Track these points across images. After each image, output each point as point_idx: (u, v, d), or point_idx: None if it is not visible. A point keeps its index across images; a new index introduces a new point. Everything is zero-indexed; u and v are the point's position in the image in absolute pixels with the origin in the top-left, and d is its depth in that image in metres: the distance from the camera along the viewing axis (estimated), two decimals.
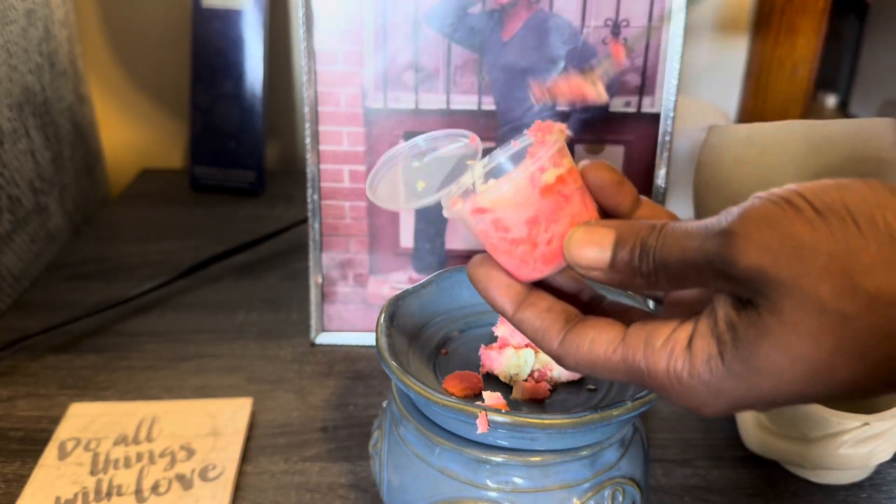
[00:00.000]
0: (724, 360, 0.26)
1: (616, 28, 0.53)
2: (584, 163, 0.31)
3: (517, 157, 0.31)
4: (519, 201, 0.29)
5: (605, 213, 0.32)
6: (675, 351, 0.27)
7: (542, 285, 0.32)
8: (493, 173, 0.32)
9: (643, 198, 0.32)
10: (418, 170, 0.35)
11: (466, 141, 0.35)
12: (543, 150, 0.30)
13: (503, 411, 0.33)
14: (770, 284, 0.24)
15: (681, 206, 0.70)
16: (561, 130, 0.30)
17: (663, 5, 0.52)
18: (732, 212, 0.25)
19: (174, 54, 0.88)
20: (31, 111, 0.69)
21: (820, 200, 0.24)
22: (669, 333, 0.28)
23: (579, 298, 0.34)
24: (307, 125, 0.55)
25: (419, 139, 0.36)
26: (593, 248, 0.29)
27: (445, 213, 0.31)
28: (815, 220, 0.24)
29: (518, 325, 0.31)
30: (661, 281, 0.28)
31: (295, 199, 0.84)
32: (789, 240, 0.24)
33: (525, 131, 0.31)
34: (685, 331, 0.28)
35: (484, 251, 0.32)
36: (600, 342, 0.29)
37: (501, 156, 0.32)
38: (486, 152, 0.33)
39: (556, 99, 0.37)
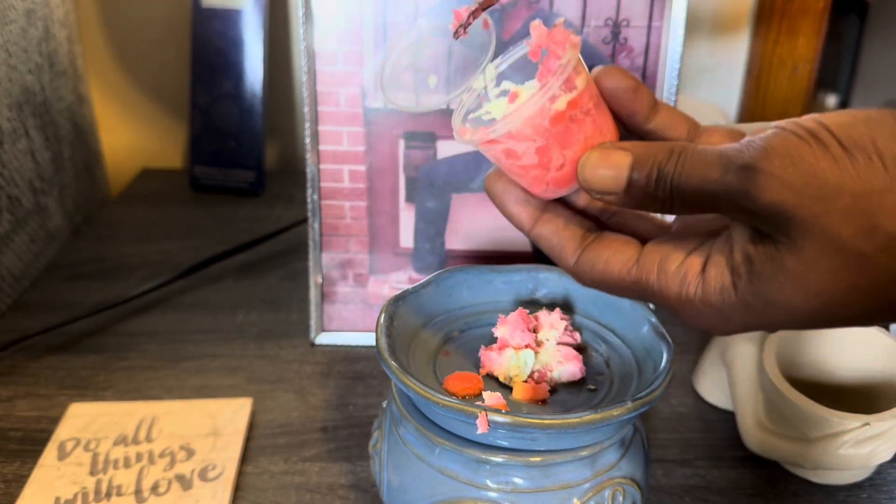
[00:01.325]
0: (737, 290, 0.26)
1: (616, 28, 0.52)
2: (597, 70, 0.30)
3: (529, 64, 0.31)
4: (528, 133, 0.29)
5: (621, 121, 0.31)
6: (688, 276, 0.28)
7: (558, 199, 0.32)
8: (506, 75, 0.31)
9: (661, 102, 0.31)
10: (427, 57, 0.33)
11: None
12: (554, 77, 0.28)
13: (503, 411, 0.33)
14: (791, 222, 0.24)
15: None
16: (574, 45, 0.29)
17: (663, 5, 0.52)
18: (755, 143, 0.25)
19: (174, 54, 0.88)
20: (31, 111, 0.69)
21: (847, 136, 0.24)
22: (683, 258, 0.28)
23: (591, 210, 0.34)
24: (307, 125, 0.54)
25: (422, 20, 0.34)
26: (608, 172, 0.28)
27: (456, 138, 0.31)
28: (842, 158, 0.24)
29: (535, 240, 0.32)
30: (678, 206, 0.27)
31: (295, 199, 0.84)
32: (813, 179, 0.24)
33: (538, 30, 0.30)
34: (699, 257, 0.28)
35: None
36: (615, 262, 0.29)
37: (514, 58, 0.31)
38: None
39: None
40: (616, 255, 0.29)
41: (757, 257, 0.26)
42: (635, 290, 0.29)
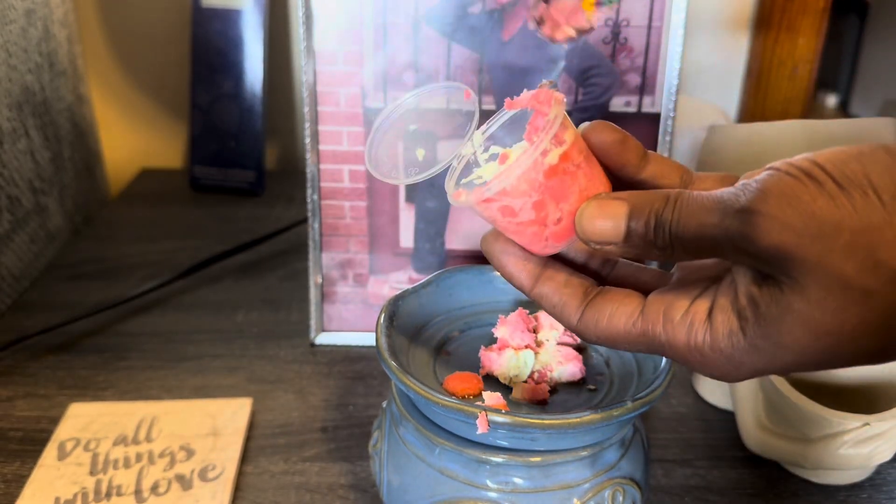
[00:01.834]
0: (745, 335, 0.26)
1: (616, 28, 0.52)
2: (583, 126, 0.31)
3: (516, 124, 0.31)
4: (524, 188, 0.29)
5: (612, 174, 0.31)
6: (694, 324, 0.27)
7: (556, 255, 0.32)
8: (494, 138, 0.32)
9: (650, 153, 0.31)
10: (416, 135, 0.34)
11: (462, 92, 0.33)
12: (543, 132, 0.29)
13: (503, 411, 0.33)
14: (793, 263, 0.24)
15: None
16: (559, 101, 0.29)
17: (663, 5, 0.52)
18: (751, 186, 0.25)
19: (174, 54, 0.88)
20: (31, 111, 0.69)
21: (840, 173, 0.24)
22: (688, 306, 0.28)
23: (591, 265, 0.34)
24: (307, 125, 0.54)
25: (408, 97, 0.35)
26: (606, 223, 0.28)
27: (451, 202, 0.31)
28: (838, 196, 0.24)
29: (536, 300, 0.31)
30: (678, 253, 0.27)
31: (295, 199, 0.84)
32: (812, 218, 0.24)
33: (522, 95, 0.30)
34: (704, 303, 0.28)
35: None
36: (619, 316, 0.29)
37: (500, 122, 0.32)
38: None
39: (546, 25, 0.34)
40: (620, 309, 0.29)
41: (762, 299, 0.26)
42: (643, 343, 0.29)
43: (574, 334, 0.31)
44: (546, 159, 0.29)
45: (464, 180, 0.32)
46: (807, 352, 0.25)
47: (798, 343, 0.25)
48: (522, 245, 0.31)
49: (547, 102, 0.30)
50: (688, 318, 0.28)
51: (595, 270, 0.33)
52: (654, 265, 0.36)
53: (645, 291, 0.30)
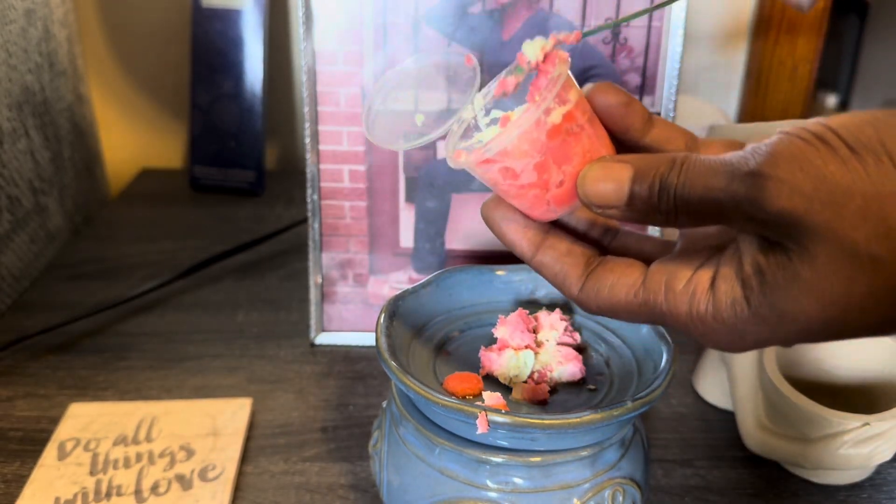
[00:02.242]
0: (749, 304, 0.25)
1: (616, 27, 0.52)
2: (587, 87, 0.30)
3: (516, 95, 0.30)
4: (525, 149, 0.28)
5: (616, 138, 0.30)
6: (696, 294, 0.27)
7: (558, 223, 0.31)
8: (496, 104, 0.31)
9: (655, 116, 0.30)
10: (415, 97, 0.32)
11: (461, 59, 0.33)
12: (546, 90, 0.28)
13: (503, 411, 0.33)
14: (802, 229, 0.23)
15: None
16: (563, 60, 0.28)
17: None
18: (760, 149, 0.24)
19: (174, 54, 0.88)
20: (31, 111, 0.69)
21: (854, 137, 0.23)
22: (690, 275, 0.27)
23: (592, 234, 0.33)
24: (307, 125, 0.54)
25: (409, 61, 0.34)
26: (609, 186, 0.27)
27: (450, 164, 0.30)
28: (850, 160, 0.23)
29: (537, 269, 0.31)
30: (682, 218, 0.26)
31: (295, 199, 0.84)
32: (823, 183, 0.23)
33: (525, 59, 0.29)
34: (707, 272, 0.27)
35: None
36: (620, 287, 0.29)
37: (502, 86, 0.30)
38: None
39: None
40: (621, 279, 0.29)
41: (768, 268, 0.25)
42: (644, 314, 0.28)
43: (575, 304, 0.30)
44: (549, 118, 0.28)
45: (463, 144, 0.31)
46: (812, 322, 0.25)
47: (804, 313, 0.24)
48: (523, 210, 0.30)
49: (551, 62, 0.29)
50: (690, 288, 0.27)
51: (596, 239, 0.32)
52: (657, 233, 0.35)
53: (647, 261, 0.29)
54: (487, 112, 0.31)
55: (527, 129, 0.28)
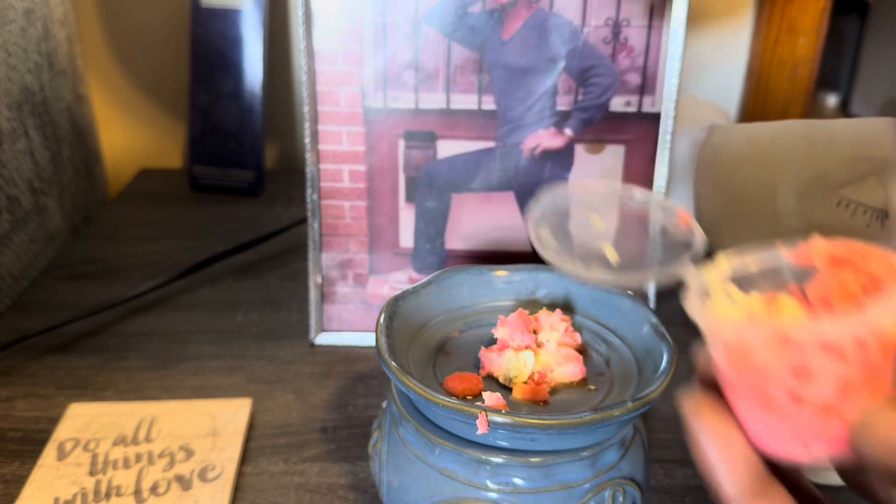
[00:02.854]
0: None
1: (616, 27, 0.52)
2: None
3: (797, 273, 0.24)
4: (846, 351, 0.21)
5: None
6: None
7: (777, 467, 0.24)
8: (744, 282, 0.24)
9: None
10: (599, 228, 0.28)
11: (671, 210, 0.27)
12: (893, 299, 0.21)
13: (503, 412, 0.33)
14: None
15: (682, 206, 0.70)
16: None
17: (664, 4, 0.52)
18: None
19: (173, 54, 0.88)
20: (30, 111, 0.69)
21: None
22: None
23: (812, 493, 0.25)
24: (307, 125, 0.54)
25: (596, 184, 0.29)
26: None
27: (705, 322, 0.23)
28: None
29: None
30: None
31: (294, 199, 0.84)
32: None
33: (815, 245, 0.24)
34: None
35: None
36: None
37: (762, 263, 0.24)
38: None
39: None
40: None
41: None
42: None
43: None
44: (891, 330, 0.21)
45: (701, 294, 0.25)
46: None
47: None
48: (757, 432, 0.23)
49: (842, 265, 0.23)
50: None
51: (815, 499, 0.25)
52: None
53: None
54: (725, 282, 0.25)
55: (863, 330, 0.21)
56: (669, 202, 0.28)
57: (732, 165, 0.50)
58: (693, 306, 0.24)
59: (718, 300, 0.24)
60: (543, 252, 0.26)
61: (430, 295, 0.43)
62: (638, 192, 0.29)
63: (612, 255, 0.27)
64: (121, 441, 0.48)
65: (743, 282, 0.25)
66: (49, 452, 0.47)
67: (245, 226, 0.77)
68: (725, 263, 0.25)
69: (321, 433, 0.50)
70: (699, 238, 0.26)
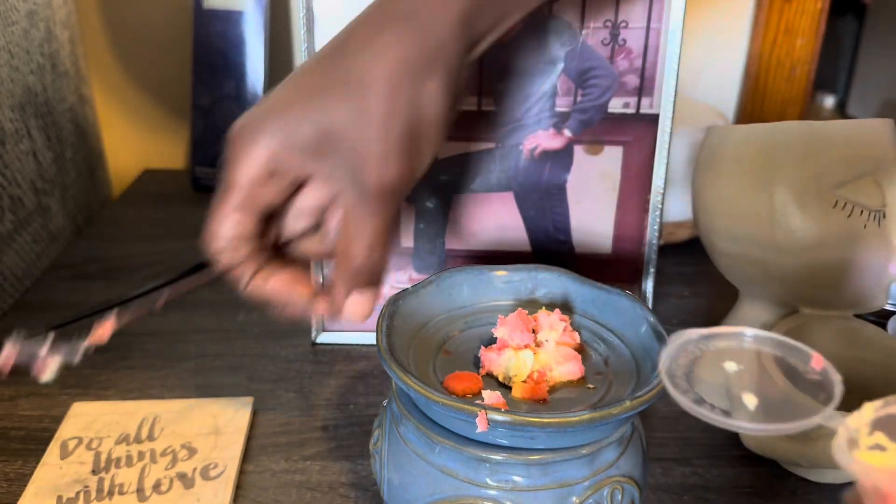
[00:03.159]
0: None
1: (615, 29, 0.53)
2: None
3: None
4: None
5: None
6: None
7: None
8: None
9: None
10: (734, 375, 0.27)
11: (808, 361, 0.27)
12: None
13: (503, 410, 0.34)
14: None
15: (680, 207, 0.71)
16: None
17: (662, 7, 0.52)
18: None
19: (176, 55, 0.88)
20: (33, 112, 0.69)
21: None
22: None
23: None
24: None
25: (733, 331, 0.28)
26: None
27: (843, 465, 0.24)
28: None
29: None
30: None
31: None
32: None
33: None
34: None
35: None
36: None
37: None
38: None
39: None
40: None
41: None
42: None
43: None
44: None
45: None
46: None
47: None
48: None
49: None
50: None
51: None
52: None
53: None
54: (871, 431, 0.26)
55: None
56: (803, 346, 0.28)
57: (731, 166, 0.50)
58: (841, 454, 0.25)
59: (867, 448, 0.25)
60: (678, 399, 0.26)
61: (431, 295, 0.44)
62: (772, 336, 0.29)
63: (750, 402, 0.27)
64: (123, 439, 0.48)
65: (884, 426, 0.25)
66: (52, 451, 0.47)
67: None
68: (870, 410, 0.26)
69: (322, 431, 0.51)
70: (837, 383, 0.27)
